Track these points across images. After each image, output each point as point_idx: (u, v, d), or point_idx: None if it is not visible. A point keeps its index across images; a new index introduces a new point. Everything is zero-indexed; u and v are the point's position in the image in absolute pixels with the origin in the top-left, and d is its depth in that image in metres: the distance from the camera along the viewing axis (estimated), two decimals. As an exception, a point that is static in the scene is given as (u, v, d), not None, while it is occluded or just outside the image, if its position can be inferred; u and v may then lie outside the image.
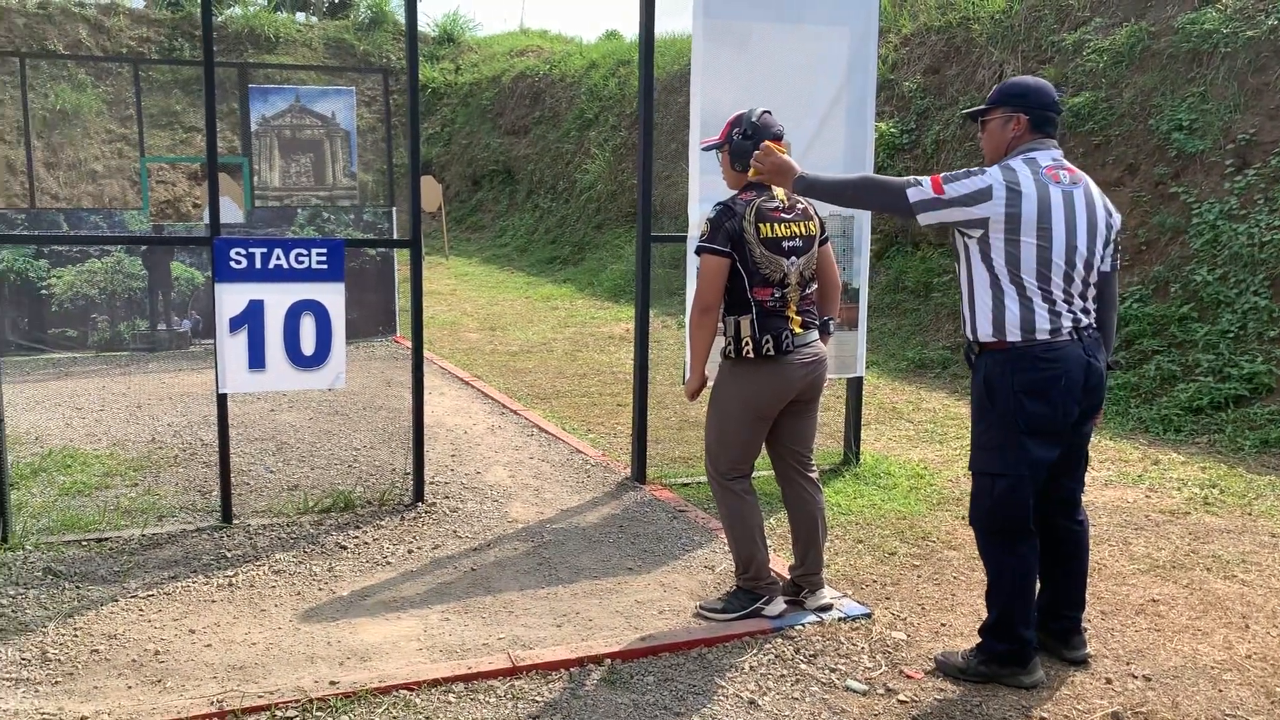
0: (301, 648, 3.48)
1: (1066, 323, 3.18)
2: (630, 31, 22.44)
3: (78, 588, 3.95)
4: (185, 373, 8.44)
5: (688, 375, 3.79)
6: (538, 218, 18.24)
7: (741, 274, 3.57)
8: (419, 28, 4.85)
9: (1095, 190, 3.29)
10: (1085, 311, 3.25)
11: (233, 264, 4.41)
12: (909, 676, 3.37)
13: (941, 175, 3.21)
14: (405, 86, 4.62)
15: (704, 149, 4.01)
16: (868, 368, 6.72)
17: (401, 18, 24.04)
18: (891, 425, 6.78)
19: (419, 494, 5.02)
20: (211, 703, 3.04)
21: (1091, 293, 3.28)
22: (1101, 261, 3.27)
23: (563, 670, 3.32)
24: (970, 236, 3.22)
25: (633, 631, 3.62)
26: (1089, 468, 3.58)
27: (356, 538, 4.54)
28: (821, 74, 5.21)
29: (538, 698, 3.16)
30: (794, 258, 3.62)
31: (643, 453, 5.42)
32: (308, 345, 4.59)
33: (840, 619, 3.75)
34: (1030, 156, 3.22)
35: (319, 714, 3.01)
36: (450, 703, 3.11)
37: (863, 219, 5.39)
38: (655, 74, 5.14)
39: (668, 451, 6.07)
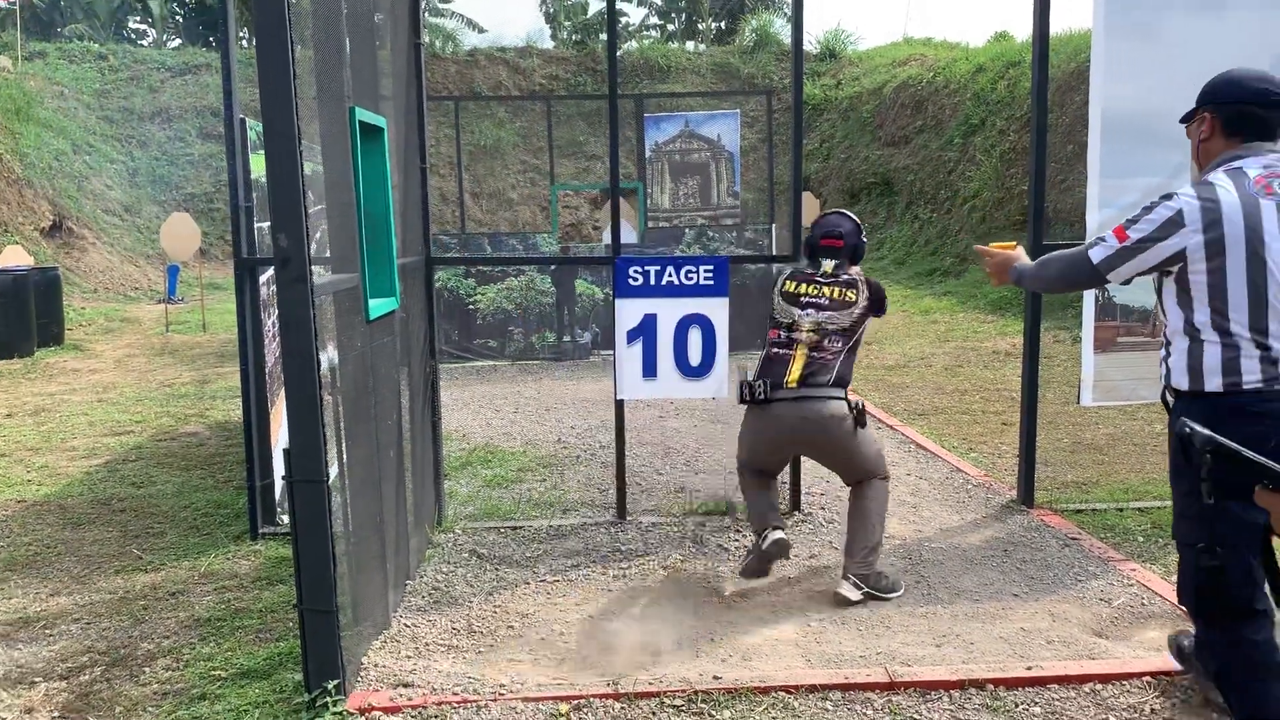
0: (687, 642, 3.69)
1: None
2: (1020, 32, 21.34)
3: (496, 569, 4.45)
4: (586, 380, 9.21)
5: None
6: (917, 229, 17.84)
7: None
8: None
9: None
10: None
11: (630, 281, 4.77)
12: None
13: (1125, 220, 2.78)
14: (787, 104, 4.75)
15: None
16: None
17: (785, 38, 24.60)
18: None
19: (795, 504, 5.13)
20: (608, 683, 3.31)
21: None
22: None
23: (942, 691, 3.25)
24: (1169, 273, 2.75)
25: (1018, 659, 3.47)
26: None
27: (737, 541, 4.73)
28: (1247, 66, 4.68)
29: (916, 715, 3.12)
30: (809, 310, 4.10)
31: (1031, 474, 5.16)
32: (694, 356, 4.86)
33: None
34: (1235, 167, 2.70)
35: (703, 705, 3.18)
36: (827, 709, 3.16)
37: None
38: (1049, 73, 4.89)
39: (1058, 475, 5.72)
